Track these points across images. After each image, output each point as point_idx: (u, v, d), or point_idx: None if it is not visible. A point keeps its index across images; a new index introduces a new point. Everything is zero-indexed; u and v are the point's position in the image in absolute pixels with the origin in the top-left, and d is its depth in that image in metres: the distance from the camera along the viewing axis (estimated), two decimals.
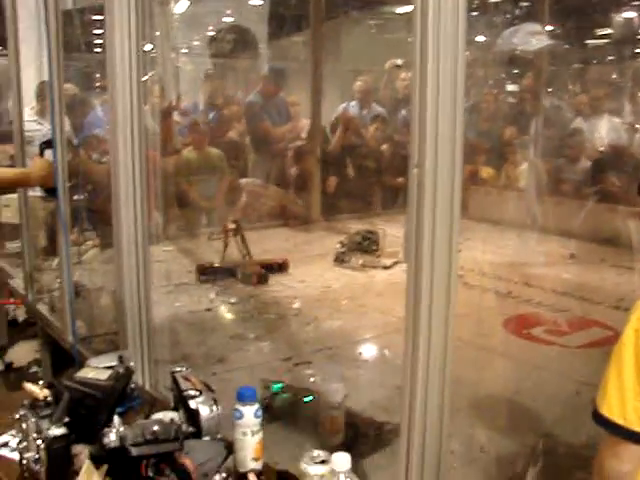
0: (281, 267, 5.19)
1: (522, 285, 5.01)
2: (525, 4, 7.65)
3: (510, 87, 8.37)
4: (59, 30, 3.57)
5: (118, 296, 3.06)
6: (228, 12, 8.31)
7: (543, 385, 3.42)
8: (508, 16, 7.39)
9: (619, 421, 1.51)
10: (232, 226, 5.43)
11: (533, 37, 6.23)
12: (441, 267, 1.71)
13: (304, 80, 7.20)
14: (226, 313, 4.42)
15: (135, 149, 2.88)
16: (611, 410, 1.52)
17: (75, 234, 5.13)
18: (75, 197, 5.19)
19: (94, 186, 5.19)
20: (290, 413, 2.81)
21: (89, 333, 3.95)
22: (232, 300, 4.61)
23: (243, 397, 2.14)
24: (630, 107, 7.39)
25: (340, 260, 5.42)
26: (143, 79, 3.04)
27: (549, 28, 8.66)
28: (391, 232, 5.62)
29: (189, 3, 7.68)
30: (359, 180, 7.19)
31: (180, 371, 2.44)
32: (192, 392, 2.31)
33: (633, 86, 7.96)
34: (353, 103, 7.49)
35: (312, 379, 3.25)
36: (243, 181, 7.05)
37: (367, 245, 5.53)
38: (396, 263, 5.32)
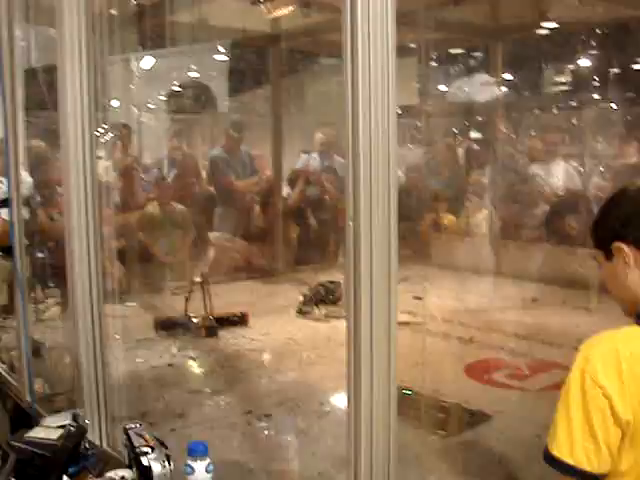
0: (241, 320, 5.19)
1: (484, 330, 5.06)
2: (479, 55, 7.84)
3: (471, 135, 8.53)
4: (15, 87, 3.59)
5: (74, 354, 3.05)
6: (193, 67, 8.41)
7: (504, 429, 3.44)
8: (462, 67, 7.60)
9: (568, 461, 1.54)
10: (198, 279, 5.42)
11: (484, 87, 6.39)
12: (380, 319, 1.73)
13: (268, 133, 7.29)
14: (188, 368, 4.40)
15: (89, 206, 2.89)
16: (560, 450, 1.55)
17: (37, 292, 5.11)
18: (38, 255, 5.21)
19: (56, 243, 5.18)
20: None
21: (50, 392, 3.90)
22: (193, 354, 4.59)
23: (194, 452, 2.15)
24: (584, 152, 7.56)
25: (303, 312, 5.44)
26: (105, 136, 3.06)
27: (508, 77, 8.90)
28: None
29: (155, 60, 7.77)
30: (320, 231, 7.24)
31: (134, 428, 2.43)
32: (144, 449, 2.30)
33: (586, 132, 8.16)
34: (315, 155, 7.58)
35: (266, 432, 3.26)
36: (212, 235, 7.07)
37: (329, 296, 5.56)
38: None
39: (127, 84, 6.96)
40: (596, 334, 1.63)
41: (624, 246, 1.64)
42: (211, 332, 4.97)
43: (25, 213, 5.18)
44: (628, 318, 1.69)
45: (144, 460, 2.26)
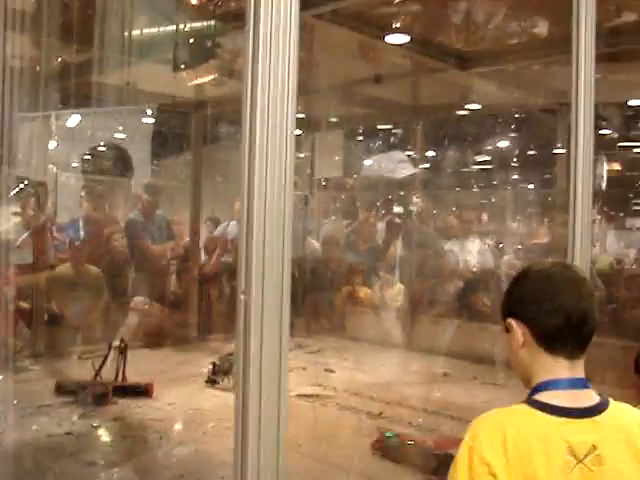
0: (145, 391, 5.03)
1: (394, 405, 5.03)
2: (399, 132, 8.03)
3: (393, 209, 8.68)
4: None
5: None
6: (119, 129, 8.35)
7: None
8: (384, 142, 7.76)
9: None
10: (117, 344, 5.27)
11: (399, 164, 6.53)
12: (270, 394, 1.69)
13: (188, 199, 7.27)
14: (87, 437, 4.23)
15: None
16: None
17: None
18: None
19: None
20: None
21: None
22: (95, 422, 4.43)
23: None
24: (500, 230, 7.77)
25: (212, 381, 5.33)
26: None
27: (429, 153, 9.14)
28: None
29: (80, 118, 7.69)
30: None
31: None
32: None
33: (503, 210, 8.40)
34: (233, 223, 7.57)
35: None
36: (134, 300, 6.94)
37: None
38: None
39: (46, 141, 6.89)
40: (485, 413, 1.64)
41: (514, 323, 1.68)
42: (100, 400, 4.79)
43: None
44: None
45: None
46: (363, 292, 7.38)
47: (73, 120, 7.66)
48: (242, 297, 1.67)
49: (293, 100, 1.72)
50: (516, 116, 8.77)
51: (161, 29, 5.25)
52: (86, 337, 6.40)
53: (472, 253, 6.89)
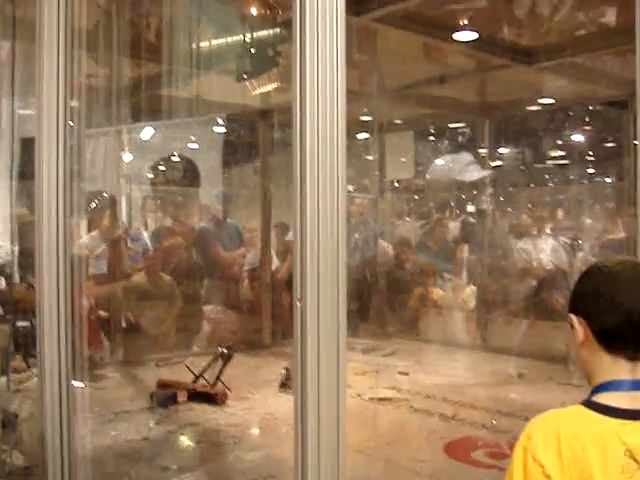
0: (218, 398, 5.10)
1: (467, 407, 4.99)
2: (467, 131, 7.96)
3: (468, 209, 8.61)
4: None
5: (40, 427, 3.00)
6: (192, 139, 8.51)
7: None
8: (455, 142, 7.69)
9: None
10: (224, 350, 5.39)
11: (468, 166, 6.45)
12: (328, 400, 1.70)
13: (258, 206, 7.36)
14: (163, 442, 4.32)
15: (60, 278, 2.89)
16: None
17: (17, 360, 5.07)
18: (19, 323, 5.18)
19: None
20: None
21: (28, 464, 3.83)
22: (171, 428, 4.52)
23: None
24: (574, 226, 7.61)
25: (285, 386, 5.37)
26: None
27: (503, 151, 9.02)
28: None
29: (154, 131, 7.88)
30: None
31: None
32: None
33: (579, 206, 8.23)
34: None
35: None
36: (206, 308, 7.07)
37: None
38: None
39: (119, 155, 7.07)
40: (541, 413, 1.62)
41: (575, 320, 1.64)
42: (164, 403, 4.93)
43: (1, 282, 5.21)
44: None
45: None
46: (435, 293, 7.34)
47: (147, 133, 7.85)
48: (298, 304, 1.69)
49: (342, 104, 1.73)
50: (588, 109, 8.60)
51: (224, 40, 5.33)
52: (161, 345, 6.55)
53: (545, 251, 6.77)
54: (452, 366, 6.10)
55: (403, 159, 9.20)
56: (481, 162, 7.11)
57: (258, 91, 4.93)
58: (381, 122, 7.72)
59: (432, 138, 8.96)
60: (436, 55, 5.83)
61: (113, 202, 6.54)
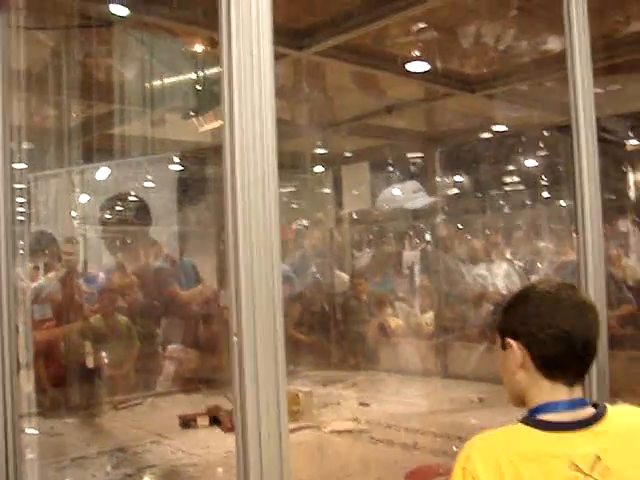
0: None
1: (429, 435, 4.98)
2: (418, 161, 8.03)
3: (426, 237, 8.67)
4: None
5: None
6: (148, 177, 8.47)
7: None
8: (402, 172, 7.77)
9: None
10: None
11: (415, 194, 6.52)
12: (269, 440, 1.68)
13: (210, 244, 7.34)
14: None
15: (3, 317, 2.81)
16: None
17: None
18: None
19: None
20: None
21: None
22: (130, 471, 4.44)
23: None
24: (528, 250, 7.70)
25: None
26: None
27: (457, 179, 9.12)
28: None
29: (110, 170, 7.83)
30: None
31: None
32: None
33: (531, 231, 8.33)
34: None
35: None
36: (170, 348, 6.99)
37: None
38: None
39: (71, 196, 7.03)
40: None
41: (515, 345, 1.64)
42: None
43: None
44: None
45: None
46: (393, 322, 7.35)
47: (102, 173, 7.81)
48: (235, 339, 1.67)
49: (273, 136, 1.73)
50: (538, 134, 8.74)
51: (172, 79, 5.35)
52: (120, 387, 6.45)
53: (500, 276, 6.83)
54: (413, 395, 6.11)
55: (357, 191, 9.26)
56: (432, 190, 7.19)
57: (204, 128, 4.94)
58: (334, 154, 7.78)
59: (388, 168, 9.03)
60: (383, 86, 5.90)
61: (59, 244, 6.44)
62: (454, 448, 4.63)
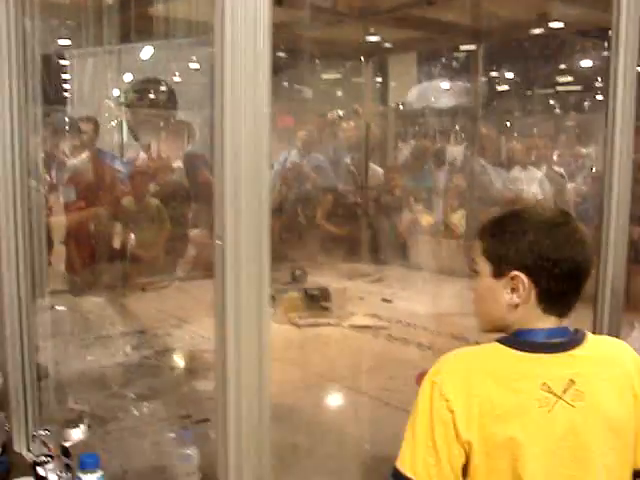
0: None
1: (446, 337, 4.97)
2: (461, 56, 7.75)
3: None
4: None
5: (1, 355, 3.00)
6: (193, 59, 8.32)
7: None
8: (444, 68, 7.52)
9: (409, 474, 1.48)
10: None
11: (442, 95, 6.31)
12: (249, 345, 1.67)
13: None
14: (136, 368, 4.33)
15: (17, 204, 2.82)
16: (404, 463, 1.50)
17: None
18: None
19: None
20: None
21: None
22: (147, 353, 4.54)
23: (84, 465, 2.10)
24: (566, 157, 7.49)
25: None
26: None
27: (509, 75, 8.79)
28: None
29: (153, 50, 7.71)
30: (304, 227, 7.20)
31: (42, 435, 2.38)
32: (43, 458, 2.27)
33: (576, 136, 8.08)
34: (294, 152, 7.53)
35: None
36: (193, 232, 7.03)
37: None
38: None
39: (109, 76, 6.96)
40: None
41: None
42: None
43: None
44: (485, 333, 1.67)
45: (40, 470, 2.23)
46: (425, 219, 7.27)
47: (146, 52, 7.69)
48: (218, 242, 1.63)
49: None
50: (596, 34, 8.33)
51: None
52: (148, 269, 6.54)
53: (534, 181, 6.64)
54: (438, 294, 6.06)
55: (396, 83, 9.03)
56: (474, 87, 6.95)
57: None
58: (368, 45, 7.54)
59: (433, 63, 8.73)
60: None
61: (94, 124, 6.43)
62: None
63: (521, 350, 1.52)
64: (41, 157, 3.48)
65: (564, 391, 1.48)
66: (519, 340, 1.54)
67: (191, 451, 2.39)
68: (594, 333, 1.69)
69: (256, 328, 1.68)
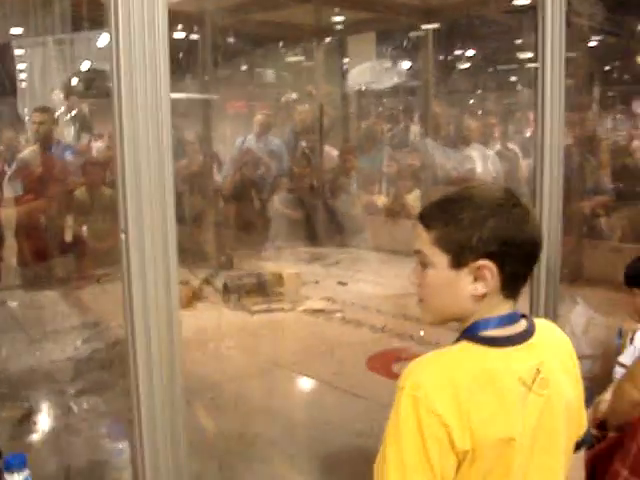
0: None
1: (399, 318, 4.98)
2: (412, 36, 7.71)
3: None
4: None
5: None
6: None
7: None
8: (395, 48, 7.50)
9: None
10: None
11: (383, 74, 6.30)
12: (159, 335, 1.64)
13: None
14: (85, 362, 4.28)
15: None
16: None
17: None
18: None
19: None
20: None
21: None
22: (97, 346, 4.49)
23: (10, 465, 2.06)
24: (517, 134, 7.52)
25: (226, 300, 5.37)
26: None
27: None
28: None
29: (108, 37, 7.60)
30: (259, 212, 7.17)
31: None
32: None
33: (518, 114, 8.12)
34: (250, 136, 7.48)
35: None
36: None
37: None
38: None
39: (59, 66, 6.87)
40: (421, 357, 1.45)
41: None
42: None
43: None
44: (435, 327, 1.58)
45: None
46: (380, 200, 7.26)
47: (103, 40, 7.58)
48: (123, 236, 1.60)
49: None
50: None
51: None
52: (105, 260, 6.45)
53: (486, 159, 6.64)
54: (394, 275, 6.06)
55: (364, 63, 8.97)
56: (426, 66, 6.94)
57: None
58: (316, 27, 7.49)
59: (383, 43, 8.70)
60: None
61: (37, 110, 6.32)
62: (421, 333, 4.63)
63: (492, 346, 1.44)
64: None
65: (533, 381, 1.43)
66: (486, 336, 1.45)
67: (122, 445, 2.37)
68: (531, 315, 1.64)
69: (165, 319, 1.66)
